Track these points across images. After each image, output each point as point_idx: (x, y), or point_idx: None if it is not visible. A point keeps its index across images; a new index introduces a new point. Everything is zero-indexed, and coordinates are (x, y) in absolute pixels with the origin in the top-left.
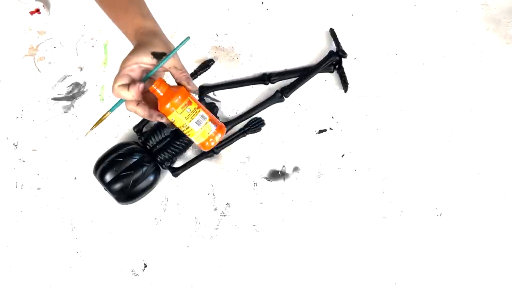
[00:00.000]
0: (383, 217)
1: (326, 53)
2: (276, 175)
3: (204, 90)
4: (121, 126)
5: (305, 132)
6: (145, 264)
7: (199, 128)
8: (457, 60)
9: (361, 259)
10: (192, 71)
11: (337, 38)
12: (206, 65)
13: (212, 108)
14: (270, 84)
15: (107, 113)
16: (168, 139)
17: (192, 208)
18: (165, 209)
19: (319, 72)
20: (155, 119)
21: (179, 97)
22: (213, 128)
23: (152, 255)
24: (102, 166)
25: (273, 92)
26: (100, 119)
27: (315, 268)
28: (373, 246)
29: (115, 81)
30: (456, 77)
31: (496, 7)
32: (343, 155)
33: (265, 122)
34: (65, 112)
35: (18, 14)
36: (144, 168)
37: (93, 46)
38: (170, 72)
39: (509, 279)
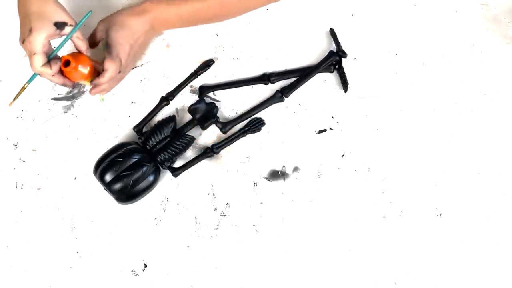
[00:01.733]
0: (383, 217)
1: (326, 53)
2: (276, 175)
3: (204, 90)
4: (121, 126)
5: (305, 132)
6: (145, 264)
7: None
8: (457, 60)
9: (361, 259)
10: (192, 71)
11: (337, 38)
12: (206, 65)
13: (212, 108)
14: (270, 84)
15: (25, 84)
16: (168, 139)
17: (192, 208)
18: (165, 209)
19: (319, 72)
20: (69, 86)
21: (88, 68)
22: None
23: (152, 255)
24: (102, 166)
25: (273, 92)
26: (19, 92)
27: (315, 268)
28: (373, 246)
29: (35, 62)
30: (456, 77)
31: (496, 7)
32: (343, 155)
33: (265, 122)
34: (65, 112)
35: None
36: (144, 168)
37: None
38: (73, 41)
39: (509, 279)
